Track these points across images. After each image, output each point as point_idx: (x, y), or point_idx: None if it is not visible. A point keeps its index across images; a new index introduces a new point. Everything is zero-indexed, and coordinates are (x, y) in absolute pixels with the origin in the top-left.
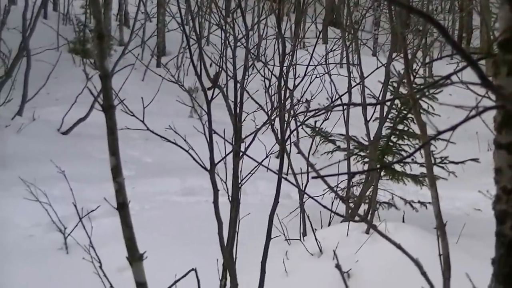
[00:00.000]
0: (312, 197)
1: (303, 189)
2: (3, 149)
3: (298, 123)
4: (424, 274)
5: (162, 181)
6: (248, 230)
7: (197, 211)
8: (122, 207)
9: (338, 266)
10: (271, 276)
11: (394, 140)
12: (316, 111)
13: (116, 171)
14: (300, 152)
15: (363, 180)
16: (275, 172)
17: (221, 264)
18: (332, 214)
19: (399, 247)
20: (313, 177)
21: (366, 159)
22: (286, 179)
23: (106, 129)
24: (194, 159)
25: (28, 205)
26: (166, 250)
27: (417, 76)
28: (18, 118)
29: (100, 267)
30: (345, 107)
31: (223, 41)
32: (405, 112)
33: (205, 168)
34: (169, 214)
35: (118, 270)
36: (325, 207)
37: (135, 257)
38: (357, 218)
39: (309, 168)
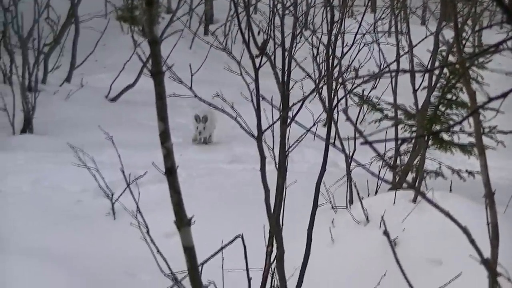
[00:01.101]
0: (360, 164)
1: (350, 157)
2: (52, 115)
3: (346, 92)
4: (472, 241)
5: (209, 149)
6: (294, 198)
7: (244, 178)
8: (170, 172)
9: (386, 233)
10: (317, 244)
11: (442, 109)
12: (365, 77)
13: (165, 136)
14: (348, 118)
15: (411, 149)
16: (322, 139)
17: (267, 231)
18: (379, 182)
19: (447, 214)
20: (361, 143)
21: (414, 128)
22: (334, 145)
23: (155, 94)
24: (241, 126)
25: (76, 171)
26: (213, 216)
27: (467, 45)
28: (66, 85)
29: (148, 232)
30: (393, 74)
31: (271, 9)
32: (453, 81)
33: (252, 136)
34: (216, 182)
35: (165, 236)
36: (373, 173)
37: (183, 222)
38: (404, 186)
39: (357, 135)
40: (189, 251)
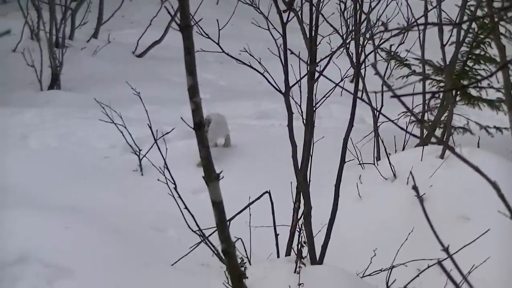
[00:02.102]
0: (388, 119)
1: (378, 112)
2: (79, 71)
3: (374, 47)
4: (501, 196)
5: (236, 105)
6: (322, 154)
7: (271, 134)
8: (199, 127)
9: (415, 188)
10: (344, 200)
11: (470, 64)
12: (393, 31)
13: (193, 91)
14: (377, 73)
15: (438, 105)
16: (350, 92)
17: (294, 187)
18: (407, 138)
19: (476, 169)
20: (391, 97)
21: (442, 84)
22: (363, 99)
23: (183, 49)
24: (268, 82)
25: (103, 127)
26: (240, 172)
27: None
28: (93, 40)
29: (175, 188)
30: (421, 29)
31: None
32: (482, 36)
33: (280, 91)
34: (243, 137)
35: (192, 192)
36: (401, 128)
37: (211, 177)
38: (432, 141)
39: (385, 90)
40: (218, 205)
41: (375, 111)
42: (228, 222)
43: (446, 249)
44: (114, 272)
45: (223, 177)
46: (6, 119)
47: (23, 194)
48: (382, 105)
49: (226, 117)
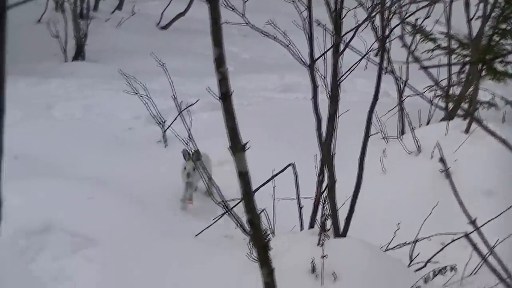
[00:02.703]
0: (416, 91)
1: (403, 84)
2: (103, 43)
3: (399, 21)
4: None
5: (260, 78)
6: (346, 127)
7: (296, 107)
8: (225, 97)
9: (442, 160)
10: (368, 173)
11: (496, 39)
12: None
13: (220, 61)
14: (404, 44)
15: (464, 80)
16: (375, 64)
17: (319, 160)
18: (432, 112)
19: (503, 141)
20: (419, 68)
21: (467, 58)
22: (388, 70)
23: (210, 19)
24: (293, 55)
25: (127, 98)
26: (265, 145)
27: None
28: (117, 12)
29: (199, 160)
30: (447, 3)
31: None
32: (508, 10)
33: (305, 64)
34: (268, 110)
35: (216, 164)
36: (429, 100)
37: (237, 147)
38: (457, 116)
39: (411, 61)
40: (243, 176)
41: (400, 85)
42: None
43: (473, 222)
44: (137, 242)
45: (249, 148)
46: (31, 89)
47: (47, 164)
48: (407, 78)
49: (248, 90)
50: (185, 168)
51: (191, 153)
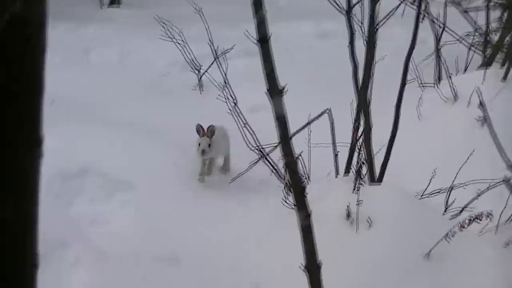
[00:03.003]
0: (456, 34)
1: (441, 28)
2: None
3: None
4: None
5: (296, 24)
6: (382, 74)
7: (332, 54)
8: (263, 40)
9: (481, 104)
10: (404, 120)
11: None
12: None
13: (258, 5)
14: None
15: (503, 26)
16: (413, 8)
17: (355, 107)
18: (469, 60)
19: None
20: (462, 11)
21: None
22: (425, 13)
23: None
24: (330, 1)
25: (163, 44)
26: (301, 91)
27: None
28: None
29: (235, 105)
30: None
31: None
32: None
33: (342, 10)
34: (304, 57)
35: (251, 110)
36: (468, 46)
37: (275, 91)
38: (496, 62)
39: (449, 6)
40: (281, 120)
41: (438, 31)
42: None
43: None
44: (173, 187)
45: (286, 92)
46: (69, 34)
47: (84, 109)
48: (445, 23)
49: (285, 36)
50: (199, 144)
51: (205, 128)
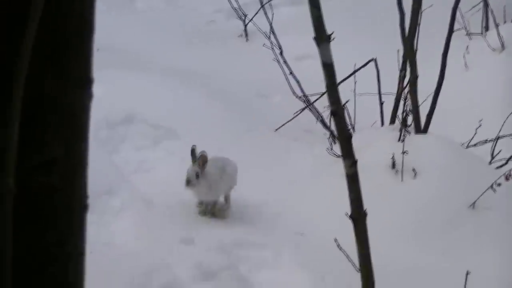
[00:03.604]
0: None
1: None
2: None
3: None
4: None
5: None
6: (429, 23)
7: (379, 2)
8: None
9: None
10: (450, 69)
11: None
12: None
13: None
14: None
15: None
16: None
17: (401, 56)
18: None
19: None
20: None
21: None
22: None
23: None
24: None
25: None
26: (347, 39)
27: None
28: None
29: (281, 54)
30: None
31: None
32: None
33: None
34: (350, 5)
35: (297, 59)
36: None
37: (322, 38)
38: None
39: None
40: (328, 67)
41: None
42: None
43: None
44: (218, 135)
45: (334, 38)
46: None
47: (130, 56)
48: None
49: None
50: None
51: (197, 154)
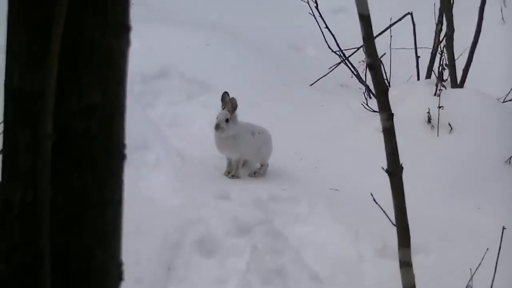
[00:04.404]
0: None
1: None
2: None
3: None
4: None
5: None
6: None
7: None
8: None
9: None
10: (488, 23)
11: None
12: None
13: None
14: None
15: None
16: None
17: (437, 9)
18: None
19: None
20: None
21: None
22: None
23: None
24: None
25: None
26: None
27: None
28: None
29: (316, 7)
30: None
31: None
32: None
33: None
34: None
35: (332, 11)
36: None
37: None
38: None
39: None
40: (364, 19)
41: None
42: None
43: None
44: (253, 89)
45: None
46: None
47: (163, 9)
48: None
49: None
50: (217, 118)
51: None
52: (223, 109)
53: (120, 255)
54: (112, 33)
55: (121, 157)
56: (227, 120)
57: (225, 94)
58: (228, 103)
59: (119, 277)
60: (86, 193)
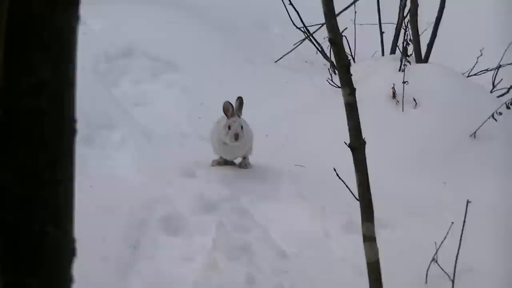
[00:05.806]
0: None
1: None
2: None
3: None
4: None
5: None
6: None
7: None
8: None
9: None
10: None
11: None
12: None
13: None
14: None
15: None
16: None
17: None
18: None
19: None
20: None
21: None
22: None
23: None
24: None
25: None
26: None
27: None
28: None
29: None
30: None
31: None
32: None
33: None
34: None
35: None
36: None
37: None
38: None
39: None
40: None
41: None
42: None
43: None
44: (218, 67)
45: None
46: None
47: None
48: None
49: None
50: (229, 127)
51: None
52: (234, 115)
53: (72, 231)
54: (62, 9)
55: (73, 132)
56: (242, 128)
57: (227, 103)
58: (237, 104)
59: (72, 252)
60: (38, 170)
